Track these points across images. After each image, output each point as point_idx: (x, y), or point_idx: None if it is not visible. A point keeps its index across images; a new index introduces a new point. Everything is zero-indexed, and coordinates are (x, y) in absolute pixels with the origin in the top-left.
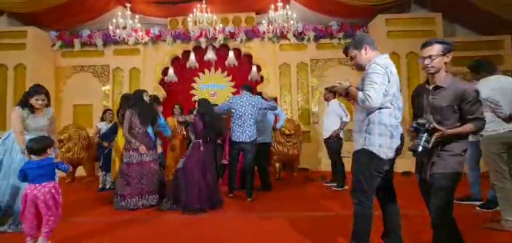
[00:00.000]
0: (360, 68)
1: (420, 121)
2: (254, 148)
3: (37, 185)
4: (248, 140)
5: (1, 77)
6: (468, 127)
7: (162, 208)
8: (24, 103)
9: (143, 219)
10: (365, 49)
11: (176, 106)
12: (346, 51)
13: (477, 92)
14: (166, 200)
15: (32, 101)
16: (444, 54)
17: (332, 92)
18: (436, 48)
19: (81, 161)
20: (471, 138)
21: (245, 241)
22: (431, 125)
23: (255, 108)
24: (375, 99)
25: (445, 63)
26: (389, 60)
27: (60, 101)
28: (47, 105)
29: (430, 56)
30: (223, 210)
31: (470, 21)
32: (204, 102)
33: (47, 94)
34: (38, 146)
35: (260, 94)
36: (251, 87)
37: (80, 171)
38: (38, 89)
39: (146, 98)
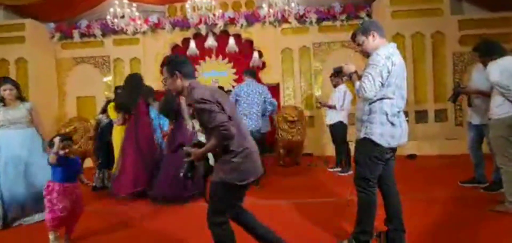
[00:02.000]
0: (367, 55)
1: None
2: (259, 136)
3: None
4: (254, 129)
5: (3, 72)
6: (211, 142)
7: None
8: None
9: (152, 210)
10: (373, 36)
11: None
12: (354, 37)
13: (197, 100)
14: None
15: (1, 91)
16: (171, 75)
17: (338, 75)
18: None
19: (88, 153)
20: (474, 121)
21: None
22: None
23: (262, 97)
24: (369, 91)
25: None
26: (394, 50)
27: (63, 94)
28: (21, 98)
29: None
30: None
31: None
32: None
33: (15, 85)
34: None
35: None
36: (255, 72)
37: (83, 164)
38: (4, 81)
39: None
